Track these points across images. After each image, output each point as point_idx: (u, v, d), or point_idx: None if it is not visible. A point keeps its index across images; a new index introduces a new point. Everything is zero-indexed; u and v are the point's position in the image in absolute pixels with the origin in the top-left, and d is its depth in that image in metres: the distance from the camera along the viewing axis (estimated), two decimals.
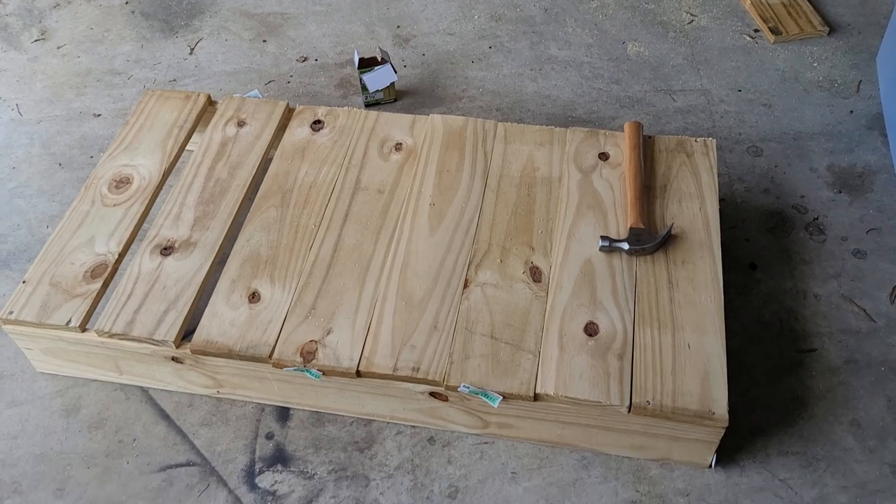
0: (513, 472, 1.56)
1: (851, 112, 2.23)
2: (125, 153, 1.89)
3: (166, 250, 1.68)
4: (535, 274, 1.63)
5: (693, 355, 1.49)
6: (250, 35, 2.58)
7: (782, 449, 1.58)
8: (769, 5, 2.55)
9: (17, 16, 2.69)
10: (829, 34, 2.46)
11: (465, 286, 1.62)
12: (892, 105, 2.16)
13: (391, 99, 2.34)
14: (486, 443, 1.61)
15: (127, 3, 2.72)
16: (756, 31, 2.51)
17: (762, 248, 1.91)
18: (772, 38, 2.45)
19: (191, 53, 2.52)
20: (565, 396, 1.45)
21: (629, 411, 1.44)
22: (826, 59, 2.39)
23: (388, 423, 1.64)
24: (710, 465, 1.55)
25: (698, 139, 1.86)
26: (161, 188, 1.83)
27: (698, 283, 1.60)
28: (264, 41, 2.56)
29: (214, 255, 1.68)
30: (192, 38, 2.57)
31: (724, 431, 1.44)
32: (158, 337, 1.55)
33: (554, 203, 1.75)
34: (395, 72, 2.28)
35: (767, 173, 2.08)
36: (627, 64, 2.43)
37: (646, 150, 1.84)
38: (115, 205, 1.77)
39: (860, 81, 2.31)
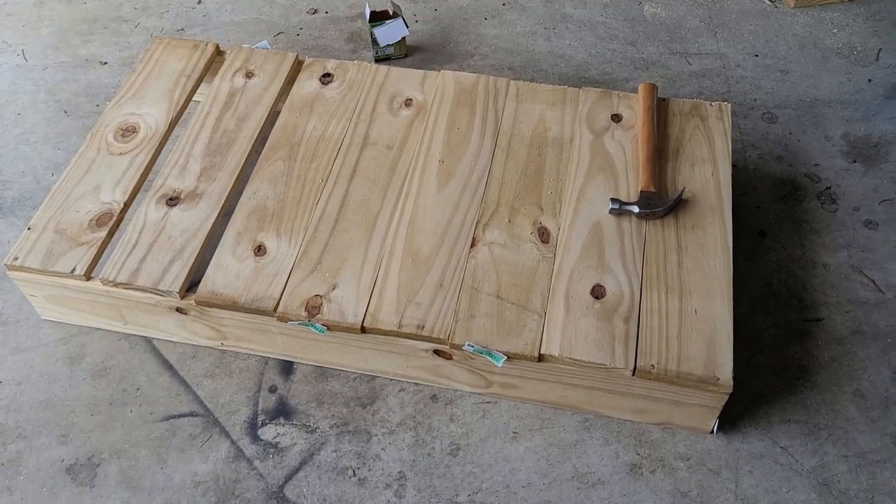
0: (514, 432, 1.57)
1: (870, 81, 2.19)
2: (132, 101, 1.86)
3: (172, 200, 1.67)
4: (544, 235, 1.62)
5: (699, 320, 1.48)
6: None
7: (784, 417, 1.58)
8: None
9: None
10: (850, 0, 2.41)
11: (473, 245, 1.60)
12: None
13: (402, 54, 2.30)
14: (488, 402, 1.61)
15: None
16: None
17: (773, 216, 1.89)
18: (792, 2, 2.40)
19: (199, 2, 2.48)
20: (570, 358, 1.44)
21: (633, 374, 1.43)
22: (846, 26, 2.34)
23: (392, 380, 1.64)
24: (712, 431, 1.55)
25: (713, 103, 1.82)
26: (167, 138, 1.81)
27: (707, 248, 1.58)
28: None
29: (220, 206, 1.66)
30: None
31: (727, 397, 1.44)
32: (163, 287, 1.54)
33: (564, 164, 1.73)
34: (407, 26, 2.24)
35: (781, 140, 2.05)
36: (643, 25, 2.38)
37: (659, 112, 1.81)
38: (121, 153, 1.75)
39: (880, 50, 2.27)
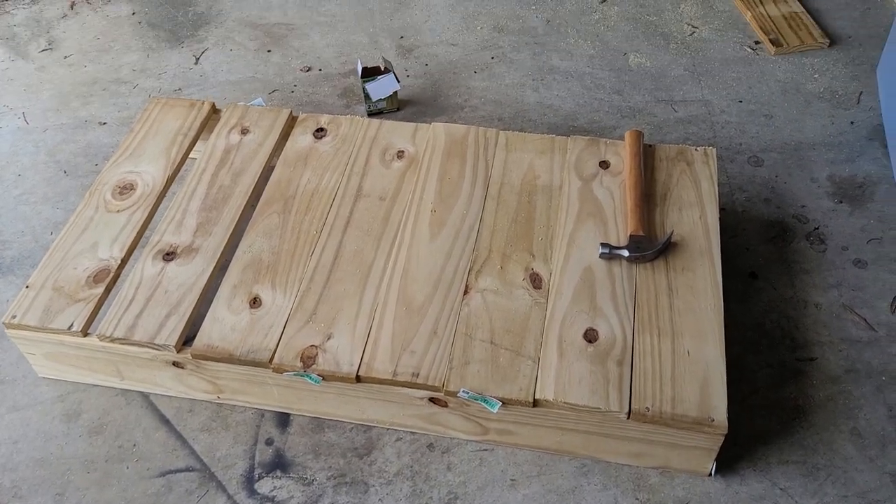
0: (512, 479, 1.56)
1: (852, 123, 2.24)
2: (129, 160, 1.90)
3: (168, 256, 1.69)
4: (536, 280, 1.64)
5: (692, 362, 1.49)
6: (255, 45, 2.60)
7: (782, 458, 1.57)
8: (770, 17, 2.56)
9: (25, 26, 2.72)
10: (829, 46, 2.48)
11: (466, 292, 1.62)
12: (893, 116, 2.16)
13: (394, 108, 2.35)
14: (485, 450, 1.60)
15: (134, 13, 2.75)
16: (757, 42, 2.53)
17: (763, 258, 1.92)
18: (772, 49, 2.47)
19: (196, 63, 2.54)
20: (564, 402, 1.45)
21: (628, 417, 1.44)
22: (827, 71, 2.40)
23: (388, 429, 1.64)
24: (710, 473, 1.54)
25: (698, 148, 1.86)
26: (164, 195, 1.84)
27: (698, 290, 1.60)
28: (269, 51, 2.58)
29: (216, 260, 1.68)
30: (198, 48, 2.60)
31: (723, 438, 1.44)
32: (160, 341, 1.55)
33: (554, 210, 1.76)
34: (398, 81, 2.29)
35: (768, 183, 2.09)
36: (629, 75, 2.44)
37: (646, 158, 1.85)
38: (118, 211, 1.79)
39: (861, 93, 2.32)
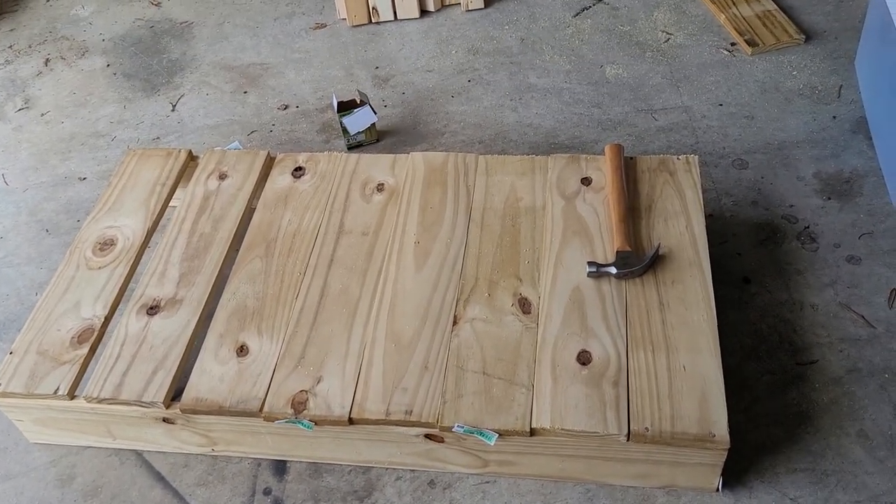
0: None
1: (834, 118, 2.22)
2: (108, 215, 1.89)
3: (152, 310, 1.67)
4: (524, 305, 1.61)
5: (689, 377, 1.46)
6: (231, 87, 2.60)
7: (790, 466, 1.54)
8: (743, 18, 2.55)
9: (1, 87, 2.72)
10: (805, 42, 2.46)
11: (455, 323, 1.60)
12: (875, 108, 2.14)
13: (373, 139, 2.34)
14: (487, 482, 1.57)
15: (108, 65, 2.75)
16: (733, 44, 2.51)
17: (755, 262, 1.89)
18: (749, 50, 2.46)
19: (173, 110, 2.54)
20: (562, 429, 1.42)
21: (628, 439, 1.41)
22: (805, 67, 2.39)
23: (387, 468, 1.61)
24: (718, 489, 1.51)
25: (680, 157, 1.84)
26: (145, 247, 1.82)
27: (689, 302, 1.57)
28: (245, 92, 2.57)
29: (201, 311, 1.66)
30: (174, 95, 2.59)
31: (726, 453, 1.40)
32: (147, 399, 1.53)
33: (539, 232, 1.74)
34: (375, 112, 2.28)
35: (755, 185, 2.07)
36: (607, 87, 2.43)
37: (628, 171, 1.83)
38: (99, 267, 1.77)
39: (841, 86, 2.31)
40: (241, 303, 1.67)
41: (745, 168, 2.12)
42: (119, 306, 1.72)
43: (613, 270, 1.61)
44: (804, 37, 2.47)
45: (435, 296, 1.65)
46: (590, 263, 1.63)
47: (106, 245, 1.81)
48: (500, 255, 1.71)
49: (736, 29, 2.52)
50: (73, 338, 1.64)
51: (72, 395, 1.57)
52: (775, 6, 2.58)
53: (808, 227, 1.95)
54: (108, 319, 1.68)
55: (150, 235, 1.85)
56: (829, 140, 2.15)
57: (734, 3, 2.61)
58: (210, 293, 1.70)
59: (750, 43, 2.46)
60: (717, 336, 1.51)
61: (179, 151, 2.02)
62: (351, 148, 2.32)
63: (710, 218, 1.96)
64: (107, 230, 1.85)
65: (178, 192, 1.98)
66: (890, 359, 1.67)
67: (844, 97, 2.27)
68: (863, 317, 1.75)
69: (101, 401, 1.55)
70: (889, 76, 2.02)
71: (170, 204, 1.94)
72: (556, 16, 2.72)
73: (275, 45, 2.75)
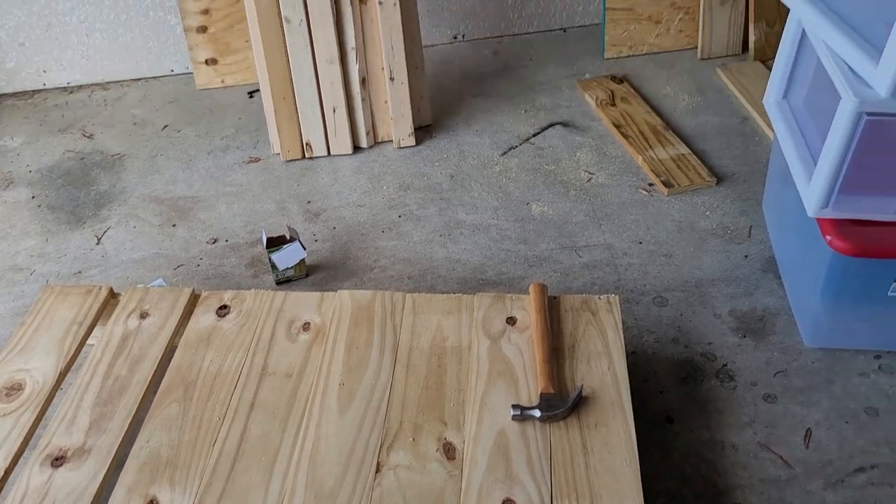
0: None
1: (746, 257, 2.33)
2: (20, 356, 1.81)
3: (58, 461, 1.58)
4: (449, 450, 1.59)
5: None
6: (160, 220, 2.59)
7: None
8: (659, 160, 2.71)
9: None
10: (717, 184, 2.62)
11: (377, 470, 1.56)
12: (781, 249, 2.27)
13: (302, 275, 2.34)
14: None
15: (33, 197, 2.72)
16: (650, 185, 2.65)
17: (676, 400, 1.92)
18: (665, 190, 2.59)
19: (98, 243, 2.51)
20: None
21: None
22: (717, 208, 2.52)
23: None
24: None
25: (601, 297, 1.90)
26: (56, 391, 1.75)
27: (612, 446, 1.58)
28: (174, 225, 2.56)
29: (110, 461, 1.58)
30: (100, 228, 2.57)
31: None
32: None
33: (465, 373, 1.74)
34: (304, 248, 2.30)
35: (674, 322, 2.13)
36: (533, 224, 2.51)
37: (552, 310, 1.87)
38: (4, 415, 1.68)
39: (751, 227, 2.44)
40: (154, 451, 1.60)
41: (664, 305, 2.19)
42: (23, 456, 1.63)
43: (537, 413, 1.62)
44: (716, 179, 2.62)
45: (359, 441, 1.61)
46: (514, 406, 1.63)
47: (13, 390, 1.73)
48: (426, 397, 1.69)
49: (653, 170, 2.67)
50: None
51: None
52: (689, 150, 2.75)
53: (725, 365, 2.00)
54: (8, 472, 1.58)
55: (62, 378, 1.77)
56: (743, 279, 2.25)
57: (650, 147, 2.77)
58: (122, 441, 1.62)
59: (666, 184, 2.60)
60: (640, 481, 1.51)
61: (100, 288, 1.98)
62: (280, 283, 2.32)
63: (633, 355, 2.00)
64: (15, 374, 1.77)
65: (96, 330, 1.93)
66: (808, 500, 1.69)
67: (755, 237, 2.40)
68: (781, 457, 1.78)
69: None
70: (792, 218, 2.15)
71: (88, 342, 1.88)
72: (485, 154, 2.84)
73: (207, 178, 2.77)
